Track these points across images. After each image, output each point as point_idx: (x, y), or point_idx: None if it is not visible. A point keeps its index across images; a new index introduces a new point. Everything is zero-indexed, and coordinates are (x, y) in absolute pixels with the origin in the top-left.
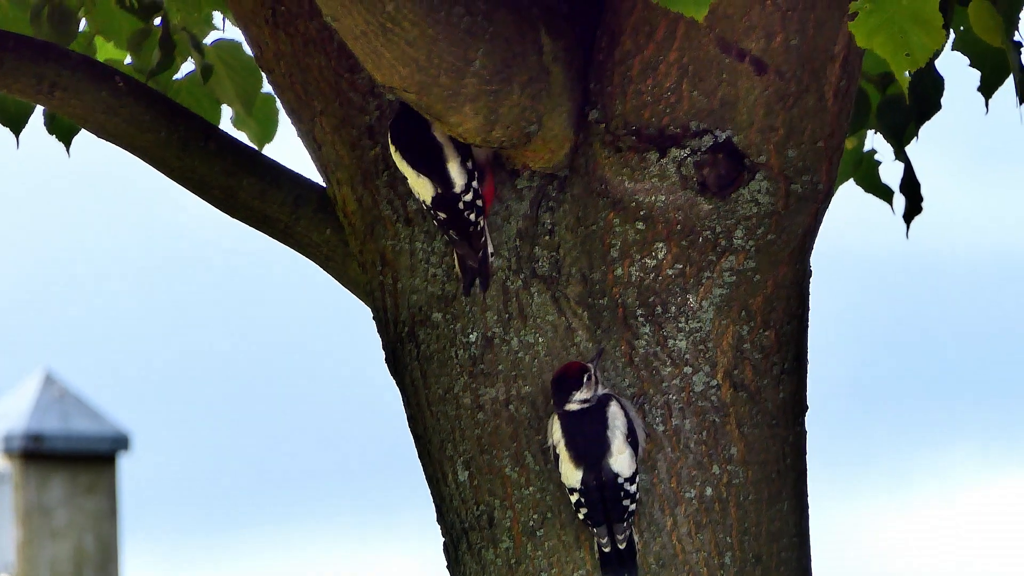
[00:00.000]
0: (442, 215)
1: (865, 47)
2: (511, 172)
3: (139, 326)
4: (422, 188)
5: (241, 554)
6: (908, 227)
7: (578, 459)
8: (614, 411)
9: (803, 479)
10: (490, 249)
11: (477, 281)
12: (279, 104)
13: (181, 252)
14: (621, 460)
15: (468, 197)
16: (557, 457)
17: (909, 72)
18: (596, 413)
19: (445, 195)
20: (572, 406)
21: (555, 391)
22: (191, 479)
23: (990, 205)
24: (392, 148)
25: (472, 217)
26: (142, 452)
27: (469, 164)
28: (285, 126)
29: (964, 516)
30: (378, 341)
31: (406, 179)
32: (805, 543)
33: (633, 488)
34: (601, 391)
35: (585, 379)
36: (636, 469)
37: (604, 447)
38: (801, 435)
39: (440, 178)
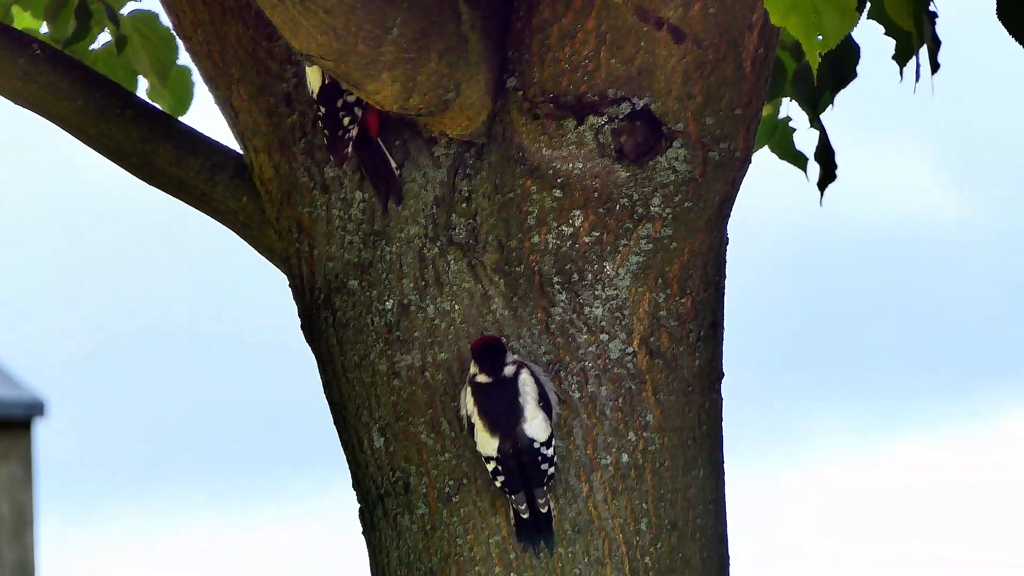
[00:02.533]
0: (322, 110)
1: (780, 25)
2: (428, 139)
3: (54, 293)
4: (313, 75)
5: (157, 518)
6: (822, 195)
7: (493, 427)
8: (524, 378)
9: (719, 446)
10: (393, 165)
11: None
12: (195, 76)
13: (97, 220)
14: (535, 425)
15: (350, 98)
16: (472, 427)
17: (821, 53)
18: (506, 382)
19: (331, 85)
20: (509, 369)
21: (486, 360)
22: (107, 444)
23: (902, 173)
24: None
25: (346, 121)
26: (58, 418)
27: None
28: (203, 94)
29: (875, 476)
30: (294, 308)
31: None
32: (721, 509)
33: (550, 452)
34: (512, 359)
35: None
36: (551, 433)
37: (517, 414)
38: (717, 402)
39: None
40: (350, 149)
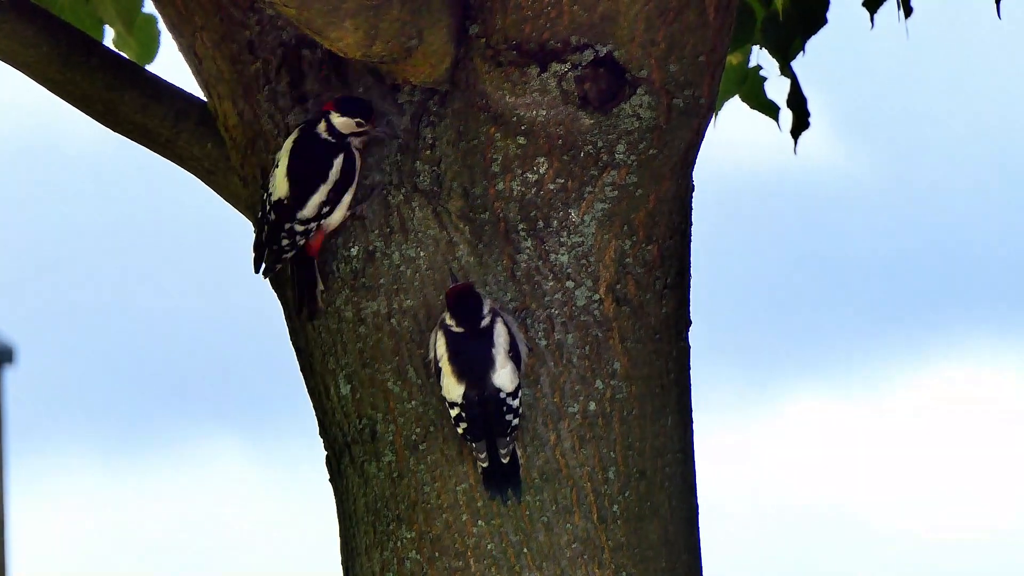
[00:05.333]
0: (273, 217)
1: None
2: (392, 87)
3: (22, 238)
4: (280, 186)
5: (127, 464)
6: (796, 143)
7: (460, 374)
8: (498, 329)
9: (687, 394)
10: (320, 287)
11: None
12: (160, 24)
13: (64, 165)
14: (503, 375)
15: (299, 227)
16: (439, 371)
17: None
18: (481, 332)
19: (290, 203)
20: (486, 321)
21: (463, 312)
22: (77, 391)
23: (875, 122)
24: (287, 141)
25: (285, 243)
26: (27, 364)
27: (346, 196)
28: (168, 43)
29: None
30: None
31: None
32: (689, 458)
33: (516, 403)
34: (487, 308)
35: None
36: (519, 384)
37: (488, 363)
38: (684, 350)
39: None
40: (282, 265)
